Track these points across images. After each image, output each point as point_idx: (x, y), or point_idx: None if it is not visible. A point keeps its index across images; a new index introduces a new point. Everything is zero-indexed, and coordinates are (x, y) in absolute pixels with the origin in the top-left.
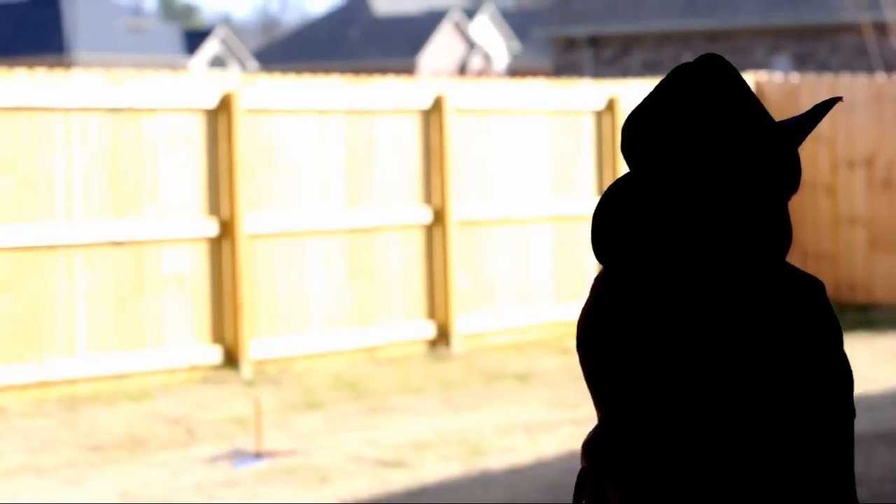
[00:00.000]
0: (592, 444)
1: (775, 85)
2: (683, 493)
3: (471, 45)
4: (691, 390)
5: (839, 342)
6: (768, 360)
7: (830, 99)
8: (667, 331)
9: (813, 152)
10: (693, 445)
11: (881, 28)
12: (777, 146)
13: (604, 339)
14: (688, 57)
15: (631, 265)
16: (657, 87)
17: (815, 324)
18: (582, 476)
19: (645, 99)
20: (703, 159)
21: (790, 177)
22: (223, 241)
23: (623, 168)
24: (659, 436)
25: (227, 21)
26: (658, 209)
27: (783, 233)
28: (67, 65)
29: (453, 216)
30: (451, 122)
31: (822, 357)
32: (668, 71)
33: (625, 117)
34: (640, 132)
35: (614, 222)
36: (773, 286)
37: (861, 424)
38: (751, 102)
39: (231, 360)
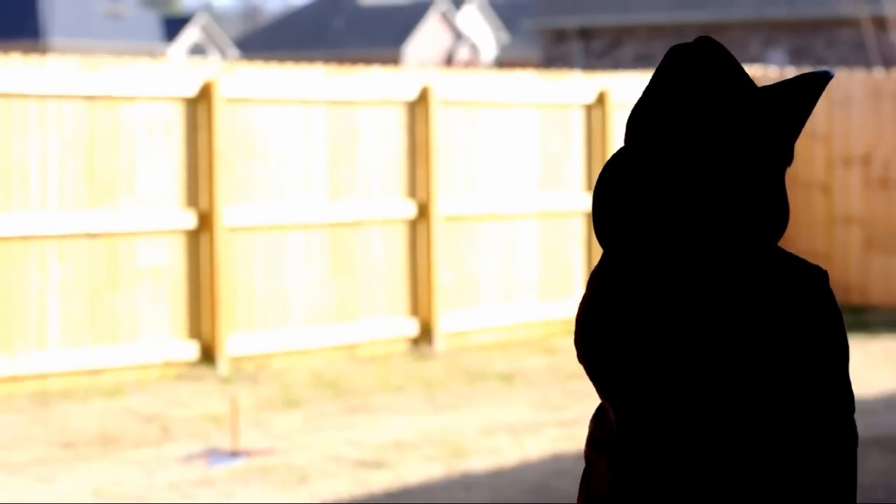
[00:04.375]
0: (596, 436)
1: (770, 79)
2: (681, 485)
3: (458, 36)
4: (690, 383)
5: (840, 335)
6: (767, 352)
7: (822, 75)
8: (666, 323)
9: (808, 149)
10: (691, 437)
11: (880, 22)
12: (768, 123)
13: (602, 333)
14: None
15: (631, 250)
16: (656, 72)
17: (816, 318)
18: (589, 464)
19: (647, 86)
20: (699, 139)
21: (783, 148)
22: (201, 234)
23: None
24: (659, 428)
25: (207, 8)
26: (657, 189)
27: (780, 207)
28: (43, 50)
29: (438, 211)
30: (437, 114)
31: (823, 353)
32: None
33: (616, 111)
34: (640, 116)
35: (613, 205)
36: (775, 275)
37: None
38: (746, 84)
39: (207, 356)
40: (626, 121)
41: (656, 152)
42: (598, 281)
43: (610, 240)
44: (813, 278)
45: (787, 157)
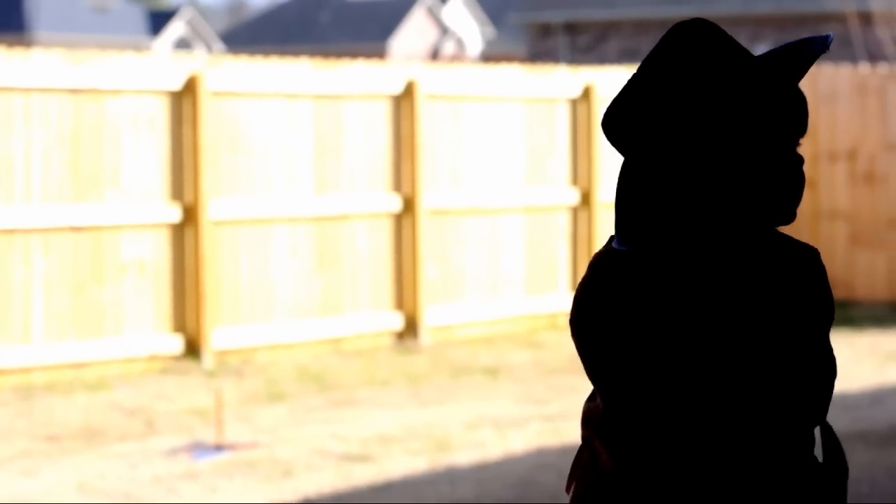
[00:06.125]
0: (591, 416)
1: None
2: (676, 460)
3: (444, 31)
4: (685, 367)
5: (828, 318)
6: (759, 335)
7: (822, 38)
8: (660, 310)
9: None
10: (686, 416)
11: (866, 17)
12: (777, 85)
13: (597, 316)
14: None
15: (640, 239)
16: (652, 54)
17: (806, 298)
18: (582, 447)
19: (633, 76)
20: (707, 119)
21: (797, 115)
22: (186, 228)
23: (598, 157)
24: (652, 407)
25: (192, 2)
26: (667, 178)
27: (796, 182)
28: (28, 44)
29: (423, 205)
30: (423, 108)
31: (809, 333)
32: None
33: (601, 105)
34: (634, 108)
35: (632, 206)
36: (769, 258)
37: (839, 423)
38: (742, 54)
39: (192, 349)
40: (616, 110)
41: (662, 142)
42: (600, 264)
43: (628, 230)
44: (806, 258)
45: (801, 122)
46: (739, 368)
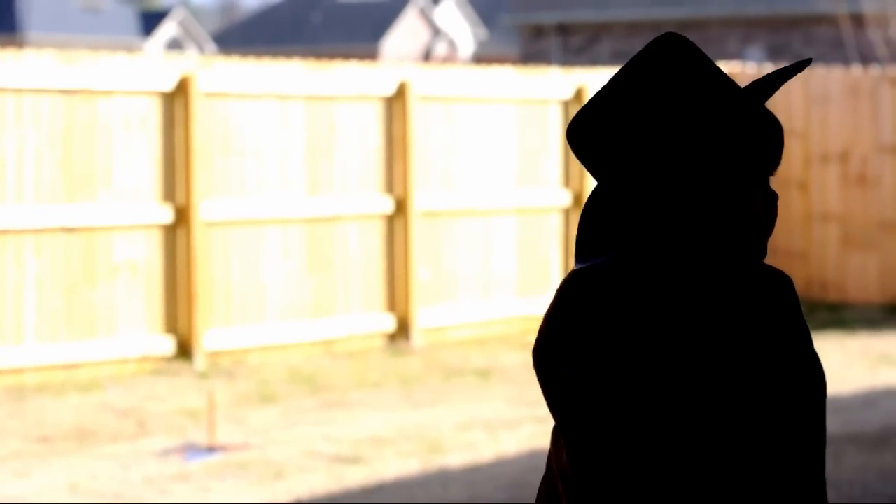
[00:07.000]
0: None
1: (748, 76)
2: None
3: (436, 32)
4: (656, 405)
5: (807, 341)
6: (737, 369)
7: (803, 60)
8: (633, 342)
9: (786, 146)
10: (659, 460)
11: (858, 19)
12: (751, 113)
13: (565, 350)
14: None
15: (607, 266)
16: (614, 78)
17: (781, 325)
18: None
19: (602, 88)
20: (678, 145)
21: (770, 141)
22: (178, 229)
23: None
24: (619, 443)
25: (184, 3)
26: (640, 208)
27: (768, 217)
28: (20, 44)
29: (415, 206)
30: (415, 109)
31: (791, 359)
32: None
33: None
34: (601, 122)
35: (597, 226)
36: (743, 286)
37: (831, 426)
38: (716, 74)
39: (184, 351)
40: (582, 121)
41: (627, 161)
42: (567, 295)
43: (587, 251)
44: (779, 286)
45: (771, 154)
46: (717, 414)
